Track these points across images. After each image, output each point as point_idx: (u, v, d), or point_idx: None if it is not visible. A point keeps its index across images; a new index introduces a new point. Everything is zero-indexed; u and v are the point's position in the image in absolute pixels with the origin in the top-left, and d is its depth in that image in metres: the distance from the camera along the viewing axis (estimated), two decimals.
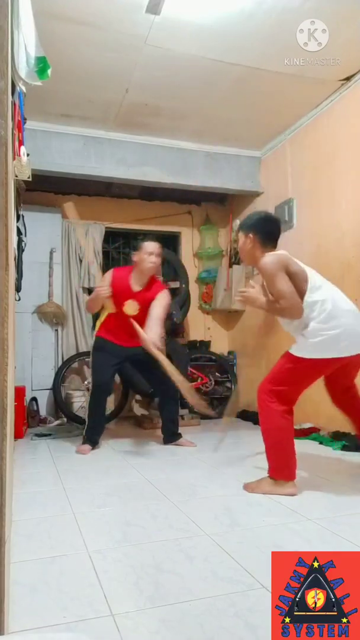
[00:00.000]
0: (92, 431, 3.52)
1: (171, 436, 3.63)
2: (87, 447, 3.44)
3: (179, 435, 3.63)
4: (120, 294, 3.40)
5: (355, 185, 3.51)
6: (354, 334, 2.29)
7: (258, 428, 4.28)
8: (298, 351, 2.34)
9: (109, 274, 3.51)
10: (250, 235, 2.48)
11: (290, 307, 2.30)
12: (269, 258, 2.36)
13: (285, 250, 2.45)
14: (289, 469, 2.35)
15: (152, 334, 3.13)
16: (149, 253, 3.38)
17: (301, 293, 2.32)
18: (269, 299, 2.48)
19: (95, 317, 5.02)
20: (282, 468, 2.34)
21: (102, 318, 3.56)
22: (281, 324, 2.53)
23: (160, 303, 3.39)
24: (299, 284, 2.34)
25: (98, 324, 3.60)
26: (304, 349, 2.32)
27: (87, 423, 3.55)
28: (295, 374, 2.35)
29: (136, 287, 3.44)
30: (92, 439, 3.51)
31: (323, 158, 3.87)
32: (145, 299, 3.43)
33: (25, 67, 2.09)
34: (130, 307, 3.42)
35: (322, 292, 2.34)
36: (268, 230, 2.49)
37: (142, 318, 3.39)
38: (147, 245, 3.41)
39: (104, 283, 3.39)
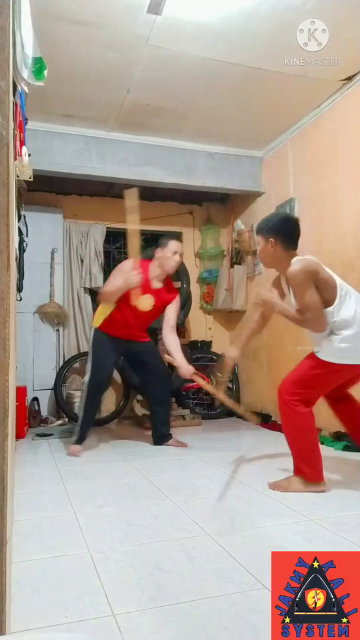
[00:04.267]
0: (85, 430, 3.44)
1: (161, 438, 3.61)
2: (79, 447, 3.38)
3: (169, 437, 3.61)
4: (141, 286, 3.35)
5: (357, 184, 3.51)
6: None
7: (259, 428, 4.31)
8: (328, 356, 2.32)
9: (134, 263, 3.29)
10: (272, 239, 2.40)
11: (316, 320, 2.29)
12: (299, 266, 2.29)
13: (311, 256, 2.41)
14: (319, 470, 2.36)
15: (185, 366, 3.30)
16: (174, 252, 3.42)
17: (330, 301, 2.31)
18: (292, 307, 2.42)
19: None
20: (312, 470, 2.35)
21: (108, 312, 3.42)
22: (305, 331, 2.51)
23: (175, 308, 3.51)
24: (329, 292, 2.31)
25: (101, 316, 3.44)
26: (333, 354, 2.31)
27: (81, 421, 3.42)
28: (322, 378, 2.35)
29: (156, 284, 3.45)
30: (84, 438, 3.44)
31: (324, 158, 3.87)
32: (162, 299, 3.45)
33: (26, 68, 2.09)
34: (146, 302, 3.37)
35: (351, 299, 2.33)
36: (290, 232, 2.42)
37: (149, 316, 3.44)
38: (173, 244, 3.45)
39: (135, 270, 3.21)
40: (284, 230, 2.42)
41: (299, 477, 2.37)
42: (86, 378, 3.44)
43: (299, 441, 2.37)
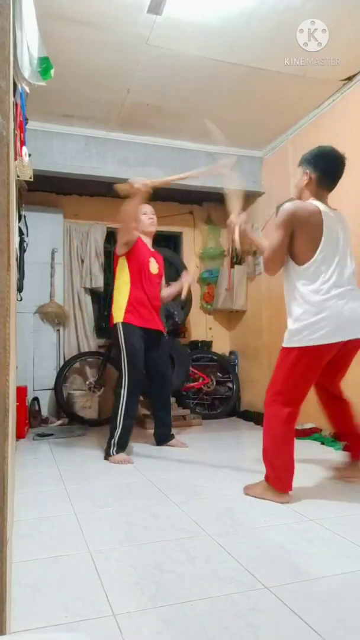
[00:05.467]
0: (127, 435, 3.18)
1: (164, 439, 3.58)
2: (124, 455, 3.13)
3: (172, 437, 3.59)
4: (141, 252, 3.42)
5: (357, 184, 3.51)
6: (338, 319, 2.13)
7: (260, 428, 4.30)
8: (286, 341, 2.24)
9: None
10: (308, 171, 2.24)
11: (267, 261, 2.23)
12: (291, 205, 2.16)
13: (326, 208, 2.23)
14: (283, 479, 2.21)
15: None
16: (143, 213, 3.49)
17: (301, 259, 2.17)
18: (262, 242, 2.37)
19: (97, 317, 5.05)
20: (277, 477, 2.22)
21: (124, 300, 3.30)
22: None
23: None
24: (305, 249, 2.15)
25: (119, 309, 3.30)
26: (289, 338, 2.22)
27: (121, 427, 3.14)
28: (291, 368, 2.20)
29: (150, 247, 3.53)
30: (126, 445, 3.19)
31: None
32: (158, 259, 3.56)
33: (29, 68, 2.09)
34: (154, 266, 3.46)
35: (328, 277, 2.16)
36: (331, 169, 2.23)
37: (159, 280, 3.51)
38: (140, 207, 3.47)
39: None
40: (325, 166, 2.23)
41: (265, 482, 2.26)
42: (124, 381, 3.20)
43: (270, 446, 2.24)
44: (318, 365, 2.24)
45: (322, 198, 2.30)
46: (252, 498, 2.30)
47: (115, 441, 3.14)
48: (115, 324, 3.28)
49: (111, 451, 3.12)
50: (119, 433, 3.15)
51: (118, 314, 3.29)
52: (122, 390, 3.20)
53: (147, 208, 3.52)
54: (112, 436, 3.16)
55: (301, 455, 2.97)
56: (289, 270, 2.28)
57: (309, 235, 2.16)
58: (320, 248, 2.17)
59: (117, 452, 3.12)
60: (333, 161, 2.26)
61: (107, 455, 3.13)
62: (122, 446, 3.16)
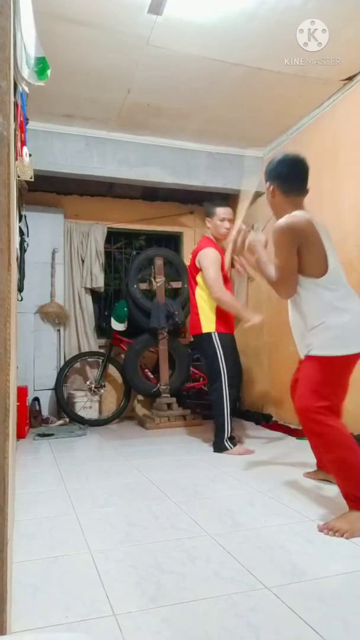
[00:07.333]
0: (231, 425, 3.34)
1: (232, 439, 3.41)
2: (241, 446, 3.32)
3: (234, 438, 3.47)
4: (223, 263, 3.41)
5: (358, 185, 3.51)
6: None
7: (260, 428, 4.31)
8: (326, 349, 2.03)
9: (210, 251, 3.37)
10: (269, 184, 2.16)
11: (283, 285, 2.07)
12: (285, 221, 2.02)
13: (311, 214, 2.12)
14: None
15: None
16: (222, 219, 3.45)
17: (314, 272, 2.03)
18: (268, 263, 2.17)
19: (97, 317, 5.05)
20: None
21: (213, 310, 3.39)
22: (290, 318, 2.25)
23: None
24: (314, 260, 2.03)
25: (209, 320, 3.39)
26: (330, 346, 2.02)
27: (229, 421, 3.30)
28: (333, 377, 2.03)
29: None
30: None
31: (325, 158, 3.87)
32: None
33: (26, 68, 2.09)
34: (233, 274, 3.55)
35: (342, 280, 2.09)
36: (288, 174, 2.14)
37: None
38: (220, 210, 3.46)
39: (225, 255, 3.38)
40: (282, 173, 2.14)
41: (357, 512, 1.92)
42: (222, 379, 3.35)
43: (347, 463, 1.92)
44: (350, 372, 2.10)
45: (299, 206, 2.20)
46: (253, 499, 2.29)
47: (229, 435, 3.30)
48: (208, 334, 3.39)
49: (229, 445, 3.27)
50: (228, 425, 3.30)
51: (209, 324, 3.40)
52: (222, 386, 3.34)
53: (227, 213, 3.44)
54: (223, 431, 3.30)
55: (301, 456, 2.98)
56: (306, 285, 2.09)
57: (314, 246, 2.06)
58: (328, 254, 2.08)
59: (234, 447, 3.28)
60: (286, 165, 2.17)
61: (223, 449, 3.27)
62: (234, 437, 3.34)
